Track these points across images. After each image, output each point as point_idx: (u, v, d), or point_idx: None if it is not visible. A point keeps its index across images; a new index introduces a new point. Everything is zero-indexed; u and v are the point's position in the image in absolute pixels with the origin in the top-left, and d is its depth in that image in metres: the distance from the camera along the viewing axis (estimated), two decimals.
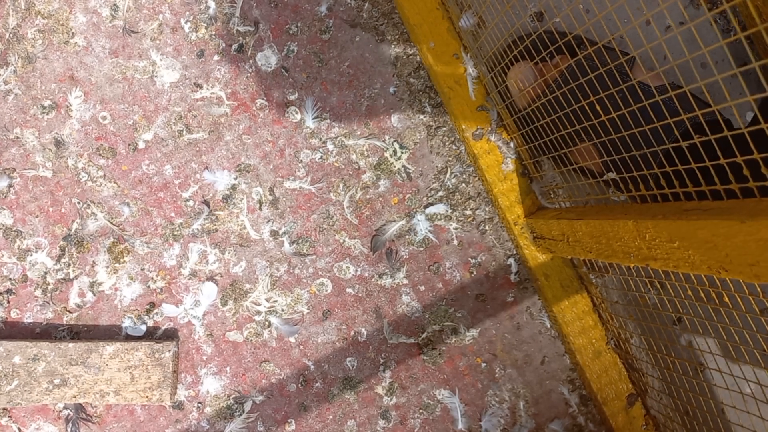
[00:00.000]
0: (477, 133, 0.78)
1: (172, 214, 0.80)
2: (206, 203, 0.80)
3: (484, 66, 0.76)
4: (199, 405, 0.80)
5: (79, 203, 0.79)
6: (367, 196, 0.81)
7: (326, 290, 0.81)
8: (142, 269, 0.80)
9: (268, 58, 0.80)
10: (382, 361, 0.82)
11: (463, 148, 0.81)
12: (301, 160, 0.80)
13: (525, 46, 0.65)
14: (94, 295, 0.79)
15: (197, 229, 0.80)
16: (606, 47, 0.70)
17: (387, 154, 0.81)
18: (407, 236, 0.82)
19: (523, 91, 0.70)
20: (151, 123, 0.79)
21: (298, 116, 0.80)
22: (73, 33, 0.78)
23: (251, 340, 0.81)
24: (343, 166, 0.81)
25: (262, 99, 0.80)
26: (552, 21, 0.78)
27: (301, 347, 0.81)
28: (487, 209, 0.82)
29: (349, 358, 0.82)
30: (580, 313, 0.79)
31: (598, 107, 0.57)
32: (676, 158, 0.55)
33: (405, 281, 0.82)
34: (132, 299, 0.80)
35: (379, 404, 0.82)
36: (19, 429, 0.79)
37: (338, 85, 0.81)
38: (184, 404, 0.80)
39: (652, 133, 0.58)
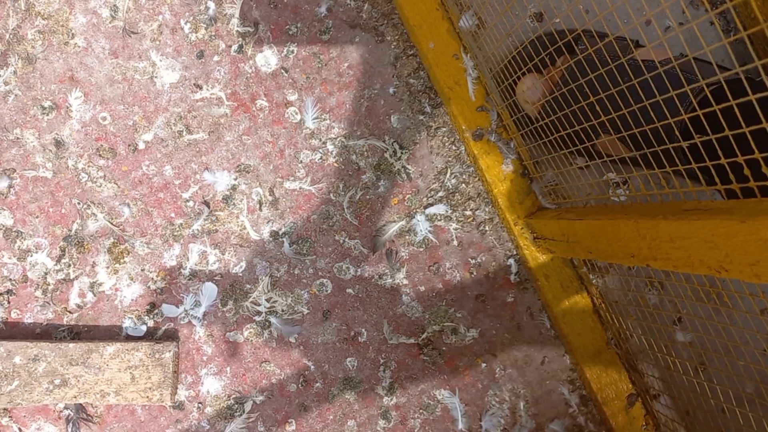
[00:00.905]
0: (477, 133, 0.78)
1: (172, 215, 0.80)
2: (206, 204, 0.80)
3: (484, 67, 0.76)
4: (200, 405, 0.80)
5: (79, 204, 0.79)
6: (367, 197, 0.81)
7: (326, 291, 0.81)
8: (143, 270, 0.80)
9: (267, 59, 0.80)
10: (382, 361, 0.82)
11: (463, 148, 0.81)
12: (301, 161, 0.80)
13: (527, 51, 0.65)
14: (95, 295, 0.79)
15: (197, 230, 0.80)
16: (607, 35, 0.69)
17: (387, 155, 0.81)
18: (407, 237, 0.82)
19: (536, 105, 0.70)
20: (151, 123, 0.79)
21: (298, 117, 0.80)
22: (73, 34, 0.78)
23: (251, 341, 0.81)
24: (342, 167, 0.81)
25: (262, 100, 0.80)
26: (552, 21, 0.78)
27: (302, 347, 0.81)
28: (487, 210, 0.82)
29: (349, 359, 0.82)
30: (580, 313, 0.79)
31: (617, 98, 0.56)
32: (692, 129, 0.54)
33: (405, 282, 0.82)
34: (132, 299, 0.80)
35: (380, 404, 0.82)
36: (19, 429, 0.79)
37: (338, 85, 0.81)
38: (184, 404, 0.80)
39: (667, 107, 0.58)
